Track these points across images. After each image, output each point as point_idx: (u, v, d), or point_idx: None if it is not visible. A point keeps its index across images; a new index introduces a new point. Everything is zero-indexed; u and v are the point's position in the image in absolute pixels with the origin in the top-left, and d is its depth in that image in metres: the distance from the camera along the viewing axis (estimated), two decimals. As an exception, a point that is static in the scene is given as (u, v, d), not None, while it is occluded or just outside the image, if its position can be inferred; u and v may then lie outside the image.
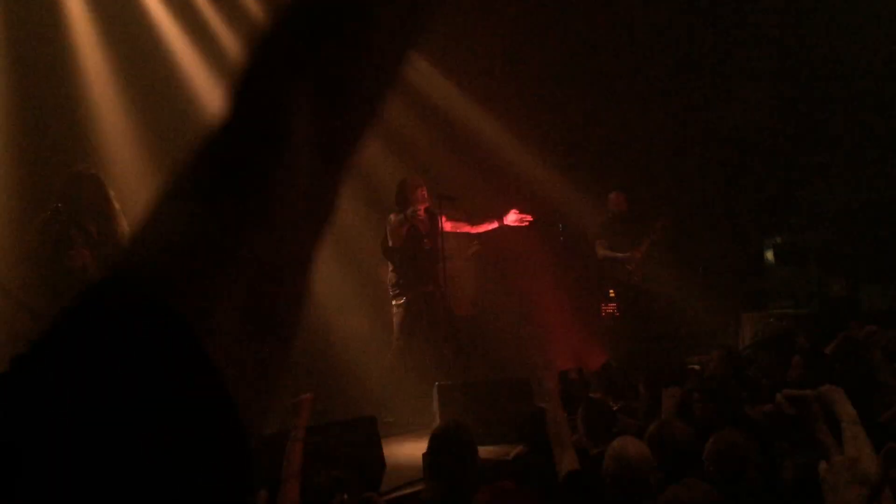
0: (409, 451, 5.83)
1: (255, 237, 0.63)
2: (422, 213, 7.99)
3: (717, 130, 11.90)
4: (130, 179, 7.85)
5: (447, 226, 8.17)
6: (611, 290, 11.22)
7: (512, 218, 8.43)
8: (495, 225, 8.54)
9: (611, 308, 11.62)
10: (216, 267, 0.61)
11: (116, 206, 6.19)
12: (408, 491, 5.27)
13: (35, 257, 6.09)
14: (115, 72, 8.97)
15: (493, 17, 10.99)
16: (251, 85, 0.66)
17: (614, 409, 5.53)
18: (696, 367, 7.68)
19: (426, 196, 8.02)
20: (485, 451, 5.05)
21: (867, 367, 5.87)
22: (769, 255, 11.97)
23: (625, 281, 10.32)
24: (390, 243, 8.05)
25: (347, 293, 9.00)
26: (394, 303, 8.12)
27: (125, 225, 6.10)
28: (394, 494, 5.24)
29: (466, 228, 8.72)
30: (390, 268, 8.18)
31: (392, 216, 8.10)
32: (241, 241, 0.63)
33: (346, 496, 3.49)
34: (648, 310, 10.43)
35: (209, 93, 9.18)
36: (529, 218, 8.47)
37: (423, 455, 4.35)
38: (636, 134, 11.79)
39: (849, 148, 11.82)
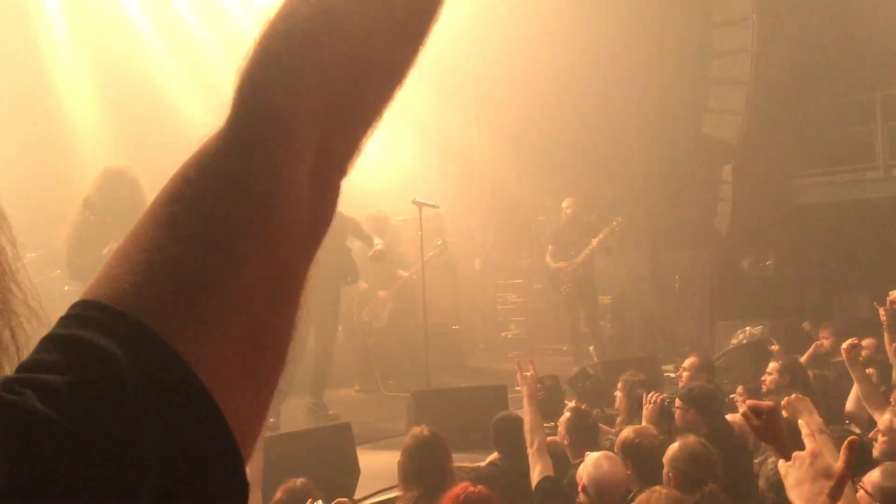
0: (383, 458, 5.80)
1: (252, 259, 0.63)
2: None
3: (697, 139, 12.03)
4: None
5: None
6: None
7: None
8: None
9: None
10: (208, 290, 0.61)
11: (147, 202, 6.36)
12: (382, 498, 5.25)
13: (74, 246, 6.40)
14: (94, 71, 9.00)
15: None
16: (254, 107, 0.67)
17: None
18: (672, 374, 7.72)
19: None
20: (459, 457, 5.04)
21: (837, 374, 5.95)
22: (745, 264, 12.10)
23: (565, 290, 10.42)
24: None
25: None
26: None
27: None
28: (368, 501, 5.21)
29: None
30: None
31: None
32: (236, 264, 0.63)
33: (318, 502, 3.46)
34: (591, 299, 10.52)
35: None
36: None
37: (399, 463, 4.33)
38: (618, 143, 11.90)
39: (825, 154, 12.04)
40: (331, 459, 4.85)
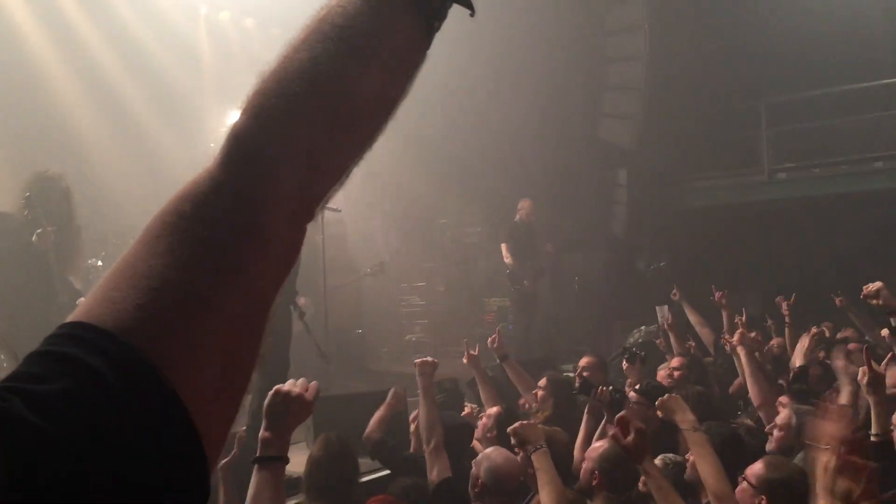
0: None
1: (236, 291, 0.71)
2: None
3: (593, 143, 12.33)
4: (108, 179, 7.62)
5: None
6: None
7: None
8: None
9: (490, 317, 11.85)
10: (197, 317, 0.68)
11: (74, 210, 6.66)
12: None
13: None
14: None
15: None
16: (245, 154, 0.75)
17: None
18: (570, 374, 7.86)
19: None
20: (360, 463, 4.96)
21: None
22: (640, 265, 12.45)
23: (522, 288, 10.61)
24: None
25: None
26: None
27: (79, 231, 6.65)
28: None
29: None
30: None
31: None
32: (222, 295, 0.70)
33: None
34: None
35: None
36: None
37: (304, 473, 4.19)
38: (518, 147, 12.08)
39: (714, 158, 12.54)
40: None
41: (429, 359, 4.82)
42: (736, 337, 5.61)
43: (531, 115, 11.97)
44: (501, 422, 5.23)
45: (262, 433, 2.69)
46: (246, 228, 0.72)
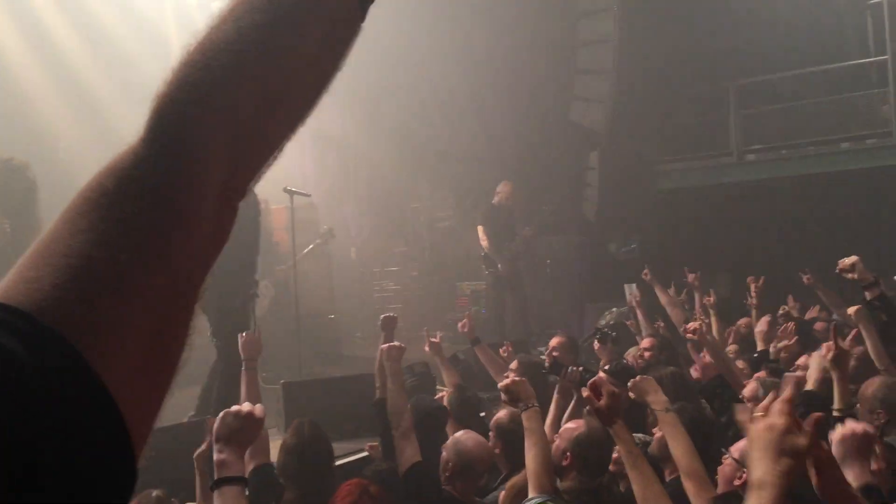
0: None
1: (161, 270, 0.68)
2: None
3: (565, 127, 12.36)
4: (73, 167, 7.51)
5: None
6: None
7: None
8: None
9: (463, 301, 11.87)
10: (120, 296, 0.65)
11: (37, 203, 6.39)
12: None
13: None
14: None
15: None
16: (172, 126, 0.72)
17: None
18: (543, 356, 7.90)
19: None
20: (338, 447, 4.94)
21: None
22: (612, 248, 12.54)
23: (497, 272, 10.62)
24: None
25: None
26: None
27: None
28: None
29: None
30: None
31: None
32: (146, 273, 0.67)
33: None
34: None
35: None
36: None
37: (278, 461, 4.18)
38: (490, 131, 12.09)
39: (684, 140, 12.63)
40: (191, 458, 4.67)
41: (396, 343, 4.82)
42: (691, 326, 5.64)
43: (503, 98, 11.98)
44: (451, 402, 5.27)
45: (216, 456, 2.65)
46: (169, 206, 0.69)
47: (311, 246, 10.00)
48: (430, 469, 4.20)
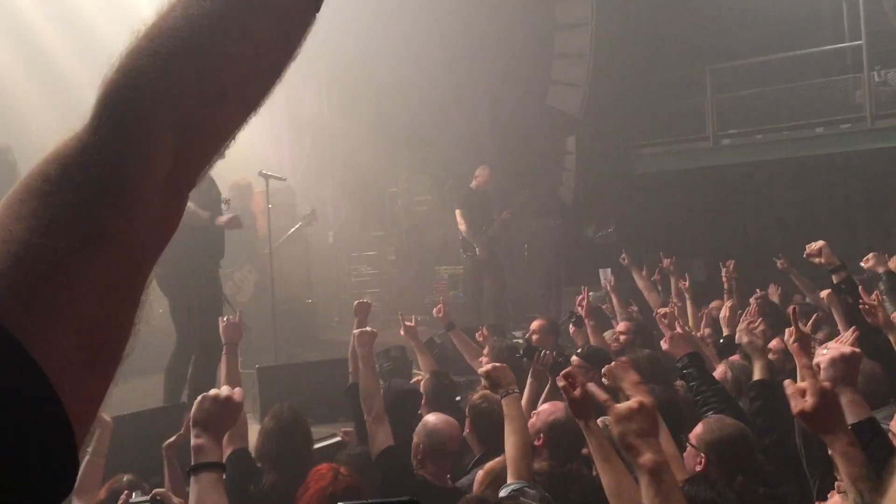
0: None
1: (102, 257, 0.67)
2: None
3: (542, 111, 12.35)
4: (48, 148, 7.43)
5: None
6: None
7: None
8: None
9: (441, 285, 11.88)
10: (59, 284, 0.64)
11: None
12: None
13: None
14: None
15: None
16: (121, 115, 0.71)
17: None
18: (520, 340, 7.92)
19: None
20: (316, 432, 4.94)
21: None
22: (589, 232, 12.58)
23: (474, 256, 10.63)
24: None
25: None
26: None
27: None
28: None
29: None
30: None
31: None
32: (87, 261, 0.66)
33: (131, 496, 3.29)
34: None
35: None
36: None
37: (256, 446, 4.17)
38: (469, 115, 12.06)
39: (660, 125, 12.68)
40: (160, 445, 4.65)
41: (367, 329, 4.82)
42: (662, 311, 5.69)
43: (481, 82, 11.95)
44: (427, 389, 5.28)
45: (193, 441, 2.62)
46: (113, 194, 0.68)
47: (292, 229, 9.96)
48: (403, 453, 4.21)
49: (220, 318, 4.85)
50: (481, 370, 3.97)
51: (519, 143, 12.12)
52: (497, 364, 3.94)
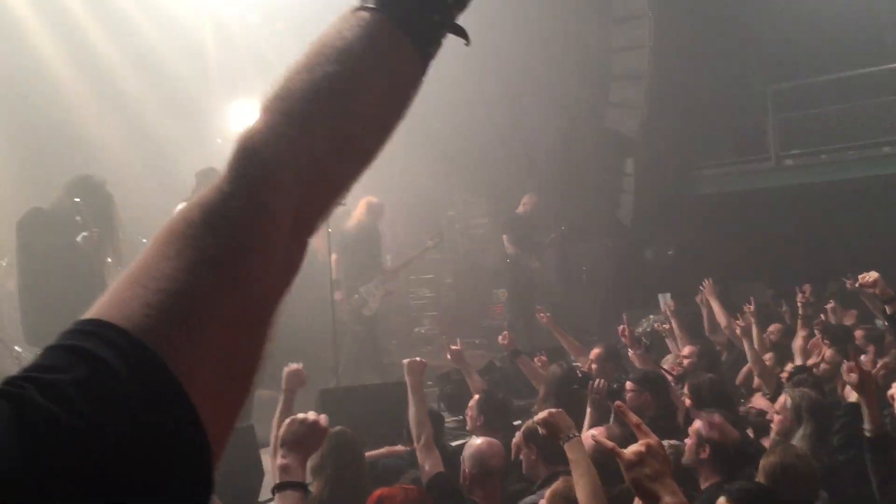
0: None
1: (234, 299, 0.75)
2: None
3: (600, 133, 12.31)
4: (115, 177, 7.88)
5: None
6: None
7: None
8: None
9: (498, 308, 11.87)
10: (201, 318, 0.72)
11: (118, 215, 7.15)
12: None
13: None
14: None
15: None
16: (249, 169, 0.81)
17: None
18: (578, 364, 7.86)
19: None
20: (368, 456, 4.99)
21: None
22: (648, 254, 12.44)
23: (523, 280, 10.68)
24: None
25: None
26: None
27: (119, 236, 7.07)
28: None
29: None
30: None
31: None
32: (222, 301, 0.74)
33: None
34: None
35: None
36: None
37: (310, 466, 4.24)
38: (525, 139, 12.09)
39: (721, 145, 12.51)
40: (234, 461, 4.77)
41: (417, 359, 4.91)
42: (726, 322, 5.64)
43: (538, 105, 11.96)
44: (481, 406, 5.28)
45: (280, 461, 2.79)
46: (248, 238, 0.77)
47: (418, 252, 10.22)
48: (453, 479, 4.27)
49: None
50: (537, 418, 3.94)
51: (576, 164, 12.08)
52: (552, 410, 3.92)
